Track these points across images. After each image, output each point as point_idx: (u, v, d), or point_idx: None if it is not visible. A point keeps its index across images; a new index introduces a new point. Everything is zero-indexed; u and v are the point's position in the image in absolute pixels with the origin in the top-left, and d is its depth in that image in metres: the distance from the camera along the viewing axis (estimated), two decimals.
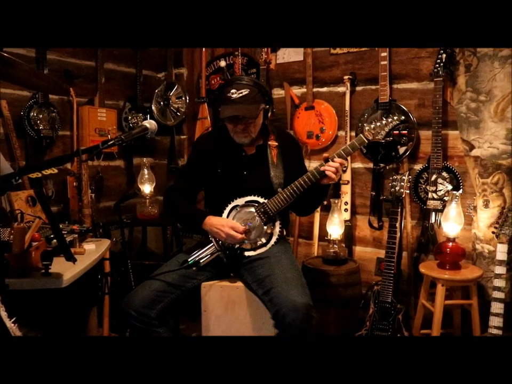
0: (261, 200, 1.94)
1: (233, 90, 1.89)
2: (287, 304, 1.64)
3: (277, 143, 2.05)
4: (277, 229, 1.97)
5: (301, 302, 1.64)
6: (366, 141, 1.88)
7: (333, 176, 1.83)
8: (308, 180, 1.87)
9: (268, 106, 1.98)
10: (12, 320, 1.10)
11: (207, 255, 1.93)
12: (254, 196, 1.95)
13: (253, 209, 1.94)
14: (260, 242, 1.95)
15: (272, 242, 1.96)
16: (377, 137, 1.89)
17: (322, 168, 1.85)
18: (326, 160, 1.87)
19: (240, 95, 1.88)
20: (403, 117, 1.95)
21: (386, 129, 1.90)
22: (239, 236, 1.88)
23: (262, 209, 1.92)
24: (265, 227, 1.95)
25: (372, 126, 1.89)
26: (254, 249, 1.95)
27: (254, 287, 1.86)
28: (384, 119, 1.92)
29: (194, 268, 1.90)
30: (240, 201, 1.96)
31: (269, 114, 2.02)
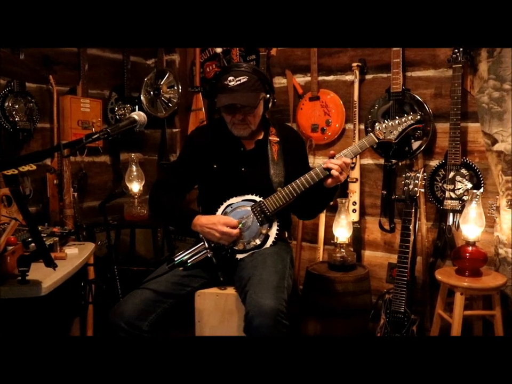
0: (258, 199, 1.95)
1: (230, 78, 1.90)
2: (254, 307, 1.65)
3: (278, 138, 2.07)
4: (274, 230, 1.97)
5: (268, 306, 1.63)
6: (377, 141, 1.94)
7: (336, 174, 1.84)
8: (311, 178, 1.89)
9: (268, 95, 2.00)
10: None
11: (195, 254, 1.93)
12: (252, 194, 1.96)
13: (248, 208, 1.95)
14: (254, 243, 1.96)
15: (267, 245, 1.96)
16: (388, 137, 1.95)
17: (325, 165, 1.87)
18: (332, 157, 1.90)
19: (238, 82, 1.89)
20: (419, 116, 1.98)
21: (400, 129, 1.95)
22: (235, 231, 1.89)
23: (259, 208, 1.93)
24: (260, 227, 1.95)
25: (384, 125, 1.94)
26: (247, 251, 1.95)
27: (237, 291, 1.89)
28: (398, 118, 1.97)
29: (181, 268, 1.90)
30: (235, 199, 1.98)
31: (270, 105, 2.03)
